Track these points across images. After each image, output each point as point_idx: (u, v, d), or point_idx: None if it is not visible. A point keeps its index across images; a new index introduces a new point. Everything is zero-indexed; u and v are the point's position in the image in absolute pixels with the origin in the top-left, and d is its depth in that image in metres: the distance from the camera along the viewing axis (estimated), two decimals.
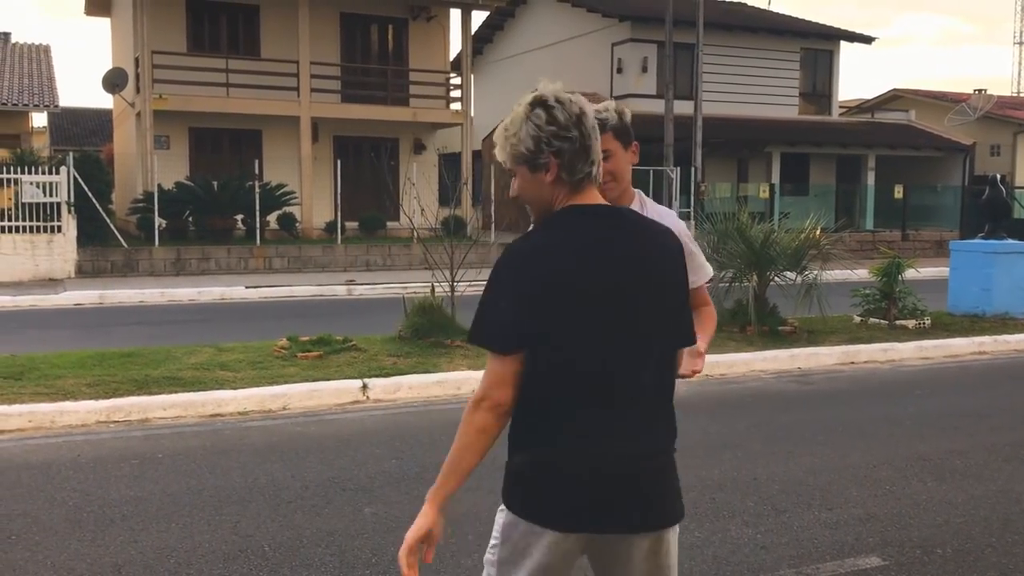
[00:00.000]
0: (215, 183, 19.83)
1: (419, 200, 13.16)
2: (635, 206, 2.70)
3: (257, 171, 19.78)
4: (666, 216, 2.73)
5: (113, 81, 21.86)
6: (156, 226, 18.91)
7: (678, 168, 22.70)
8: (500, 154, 2.14)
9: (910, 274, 11.17)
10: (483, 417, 2.08)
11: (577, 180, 2.07)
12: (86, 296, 14.55)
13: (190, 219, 20.17)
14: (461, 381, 7.74)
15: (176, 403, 6.89)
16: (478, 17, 30.85)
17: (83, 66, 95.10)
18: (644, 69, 26.99)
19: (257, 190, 19.51)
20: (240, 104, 21.53)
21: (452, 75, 25.44)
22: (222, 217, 19.98)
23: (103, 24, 28.62)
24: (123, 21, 24.25)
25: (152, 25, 20.84)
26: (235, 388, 7.24)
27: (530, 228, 2.23)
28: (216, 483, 5.22)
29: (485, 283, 2.08)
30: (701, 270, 2.94)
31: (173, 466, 5.56)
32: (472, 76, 26.02)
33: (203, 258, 18.61)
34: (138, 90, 21.39)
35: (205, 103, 21.32)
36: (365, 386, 7.44)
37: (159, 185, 19.45)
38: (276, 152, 22.60)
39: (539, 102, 2.09)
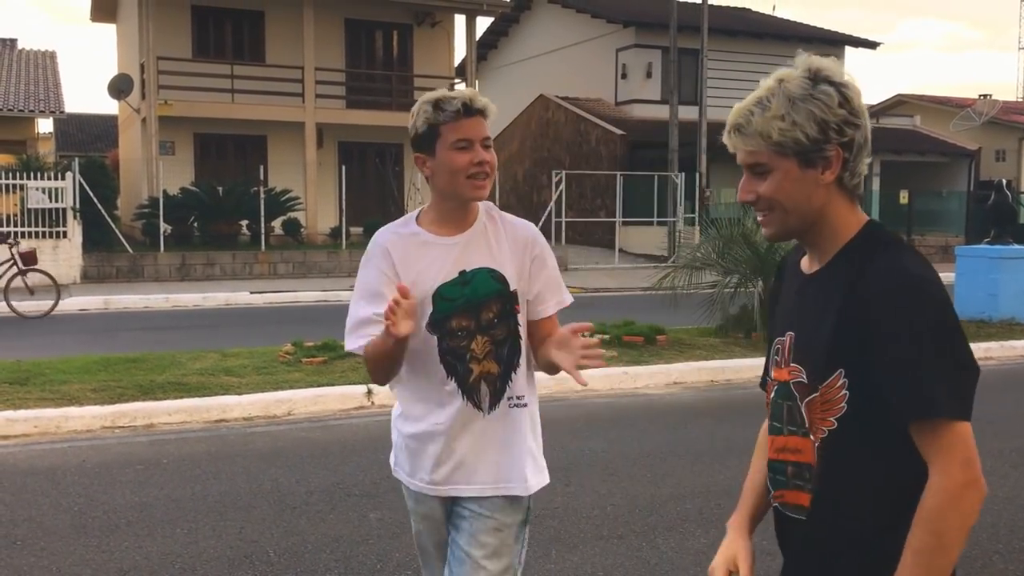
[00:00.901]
0: (220, 189, 19.87)
1: (424, 205, 13.15)
2: (481, 221, 2.31)
3: (262, 177, 19.81)
4: (522, 227, 2.37)
5: (118, 87, 21.93)
6: (161, 232, 18.95)
7: (683, 174, 22.70)
8: (741, 141, 1.65)
9: None
10: (974, 507, 1.51)
11: (855, 184, 1.66)
12: (91, 301, 14.57)
13: (195, 225, 20.21)
14: None
15: (181, 408, 6.90)
16: (483, 23, 30.90)
17: (89, 72, 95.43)
18: (648, 75, 27.01)
19: (262, 196, 19.54)
20: (245, 110, 21.59)
21: (457, 81, 25.48)
22: (227, 223, 20.01)
23: (109, 30, 28.69)
24: (129, 27, 24.32)
25: (157, 31, 20.90)
26: (240, 394, 7.24)
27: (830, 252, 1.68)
28: (221, 488, 5.21)
29: (914, 329, 1.52)
30: (561, 291, 2.45)
31: (178, 471, 5.56)
32: (477, 82, 26.05)
33: (208, 264, 18.64)
34: (143, 96, 21.46)
35: (210, 109, 21.36)
36: (370, 391, 7.44)
37: (164, 191, 19.49)
38: (281, 158, 22.64)
39: (824, 77, 1.62)
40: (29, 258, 13.66)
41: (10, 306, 13.01)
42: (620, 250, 22.93)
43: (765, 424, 1.87)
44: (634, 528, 4.61)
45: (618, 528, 4.61)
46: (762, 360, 7.36)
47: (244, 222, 20.21)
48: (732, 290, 10.27)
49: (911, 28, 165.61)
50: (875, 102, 36.64)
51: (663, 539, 4.46)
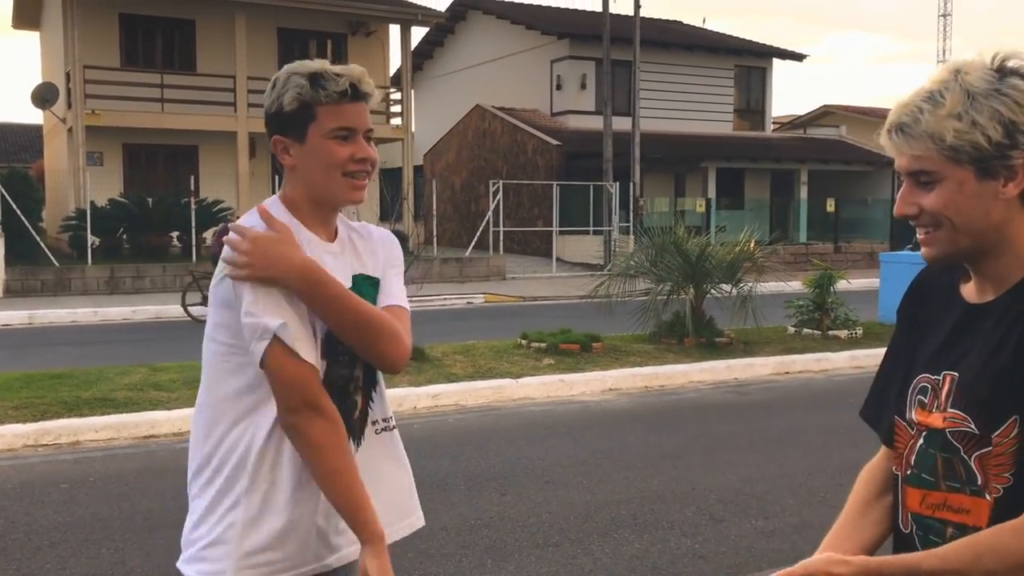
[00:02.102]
0: (150, 200, 19.48)
1: (358, 216, 13.06)
2: (343, 231, 1.93)
3: (193, 187, 19.47)
4: (381, 232, 2.02)
5: (43, 96, 21.36)
6: (88, 244, 18.49)
7: (617, 183, 22.95)
8: (904, 143, 1.38)
9: (842, 285, 11.43)
10: None
11: None
12: (14, 316, 14.13)
13: (124, 236, 19.77)
14: (401, 398, 7.70)
15: (108, 425, 6.73)
16: (417, 33, 30.90)
17: (11, 81, 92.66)
18: (583, 86, 27.27)
19: (193, 207, 19.20)
20: (175, 120, 21.20)
21: (392, 90, 25.40)
22: (157, 234, 19.63)
23: (32, 38, 27.93)
24: (53, 35, 23.71)
25: (83, 39, 20.43)
26: (170, 409, 7.10)
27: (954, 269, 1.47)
28: (149, 506, 5.10)
29: None
30: (401, 299, 1.95)
31: (105, 490, 5.43)
32: (412, 92, 26.01)
33: (137, 276, 18.23)
34: (69, 105, 20.94)
35: (139, 119, 20.94)
36: None
37: (92, 202, 19.02)
38: (213, 168, 22.28)
39: (1013, 68, 1.34)
40: None
41: None
42: (557, 259, 23.07)
43: (873, 462, 1.66)
44: (569, 535, 4.64)
45: (553, 536, 4.63)
46: (695, 365, 7.43)
47: (175, 234, 19.83)
48: (665, 297, 10.41)
49: (839, 41, 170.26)
50: (802, 113, 37.55)
51: (598, 545, 4.50)
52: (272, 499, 1.74)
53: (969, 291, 1.46)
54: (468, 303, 17.10)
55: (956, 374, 1.42)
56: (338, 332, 1.75)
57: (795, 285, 11.97)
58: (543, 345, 9.64)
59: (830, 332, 10.99)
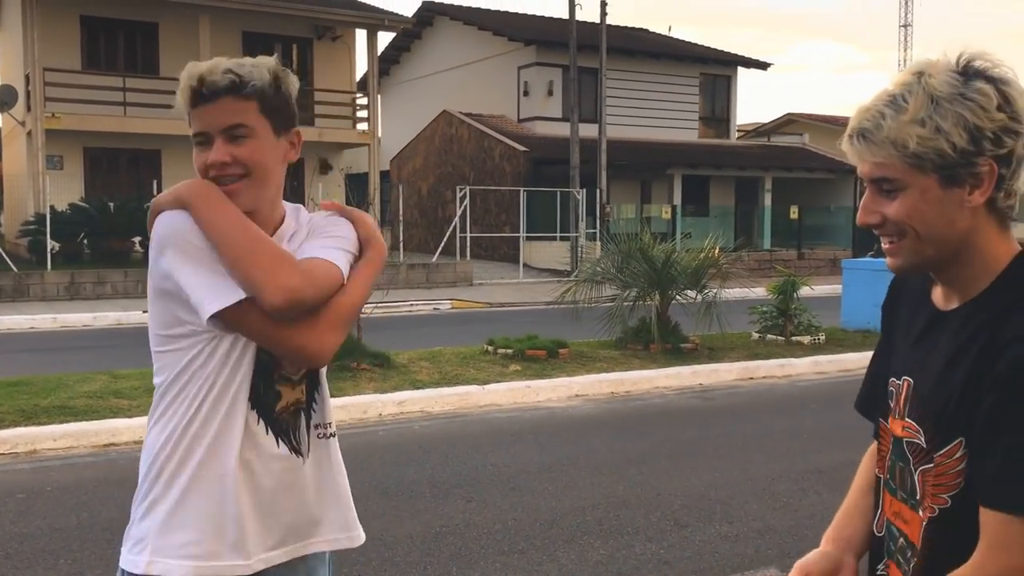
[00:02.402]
0: (111, 204, 19.22)
1: None
2: (290, 225, 1.83)
3: (156, 192, 19.18)
4: (306, 216, 1.89)
5: (1, 99, 21.00)
6: (48, 249, 18.18)
7: (584, 190, 23.02)
8: (866, 149, 1.32)
9: (805, 292, 11.56)
10: None
11: (1009, 206, 1.33)
12: None
13: (85, 242, 19.48)
14: (367, 405, 7.65)
15: (67, 433, 6.62)
16: (384, 38, 30.80)
17: None
18: (550, 92, 27.36)
19: None
20: (138, 123, 20.94)
21: (359, 95, 25.31)
22: (119, 240, 19.36)
23: None
24: (12, 36, 23.34)
25: (44, 41, 20.12)
26: (130, 416, 6.99)
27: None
28: (109, 516, 5.02)
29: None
30: (322, 250, 1.77)
31: (63, 499, 5.33)
32: (379, 97, 25.93)
33: (98, 282, 17.96)
34: (29, 108, 20.61)
35: (101, 122, 20.66)
36: None
37: (51, 207, 18.70)
38: (176, 172, 22.00)
39: (978, 70, 1.27)
40: None
41: None
42: (524, 265, 23.09)
43: (872, 447, 1.59)
44: (535, 542, 4.63)
45: (519, 543, 4.62)
46: (660, 371, 7.45)
47: (137, 239, 19.57)
48: (631, 303, 10.46)
49: (804, 50, 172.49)
50: (766, 121, 37.95)
51: (563, 552, 4.50)
52: (183, 502, 1.71)
53: (937, 295, 1.42)
54: (435, 309, 17.06)
55: (912, 381, 1.40)
56: (222, 260, 1.64)
57: (759, 291, 12.06)
58: (510, 351, 9.63)
59: (793, 338, 11.10)
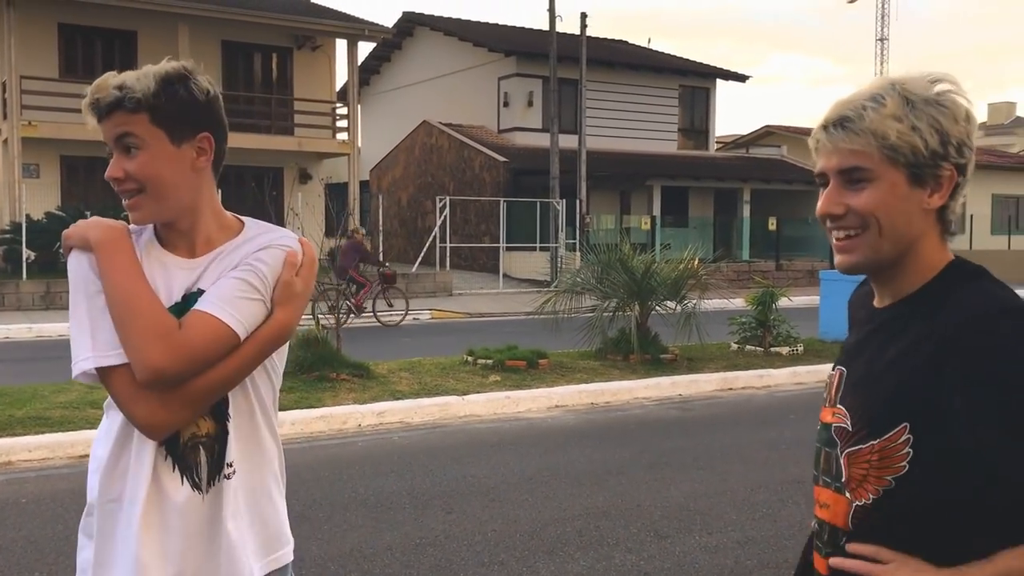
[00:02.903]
0: (88, 213, 19.02)
1: (303, 230, 12.95)
2: (236, 243, 1.72)
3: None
4: (265, 239, 1.74)
5: None
6: (24, 258, 18.00)
7: (564, 200, 23.09)
8: (844, 138, 1.36)
9: (783, 303, 11.63)
10: None
11: (951, 221, 1.40)
12: None
13: (61, 251, 19.27)
14: (346, 416, 7.62)
15: (42, 444, 6.54)
16: (364, 48, 30.83)
17: None
18: (530, 103, 27.45)
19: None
20: None
21: (339, 105, 25.27)
22: None
23: None
24: None
25: (21, 49, 19.96)
26: None
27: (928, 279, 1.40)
28: None
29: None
30: (218, 304, 1.65)
31: (38, 511, 5.27)
32: (359, 106, 25.90)
33: None
34: (5, 116, 20.41)
35: (78, 130, 20.30)
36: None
37: (27, 215, 18.55)
38: None
39: (947, 84, 1.36)
40: None
41: None
42: (504, 275, 23.11)
43: None
44: (514, 553, 4.62)
45: (499, 554, 4.61)
46: (640, 382, 7.50)
47: None
48: (611, 314, 10.49)
49: (780, 63, 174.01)
50: (745, 133, 38.21)
51: (543, 563, 4.49)
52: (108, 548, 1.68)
53: (877, 299, 1.50)
54: (414, 319, 17.02)
55: (844, 370, 1.46)
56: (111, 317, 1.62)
57: (738, 302, 12.13)
58: (489, 362, 9.63)
59: (772, 349, 11.16)
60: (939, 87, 1.35)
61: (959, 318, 1.28)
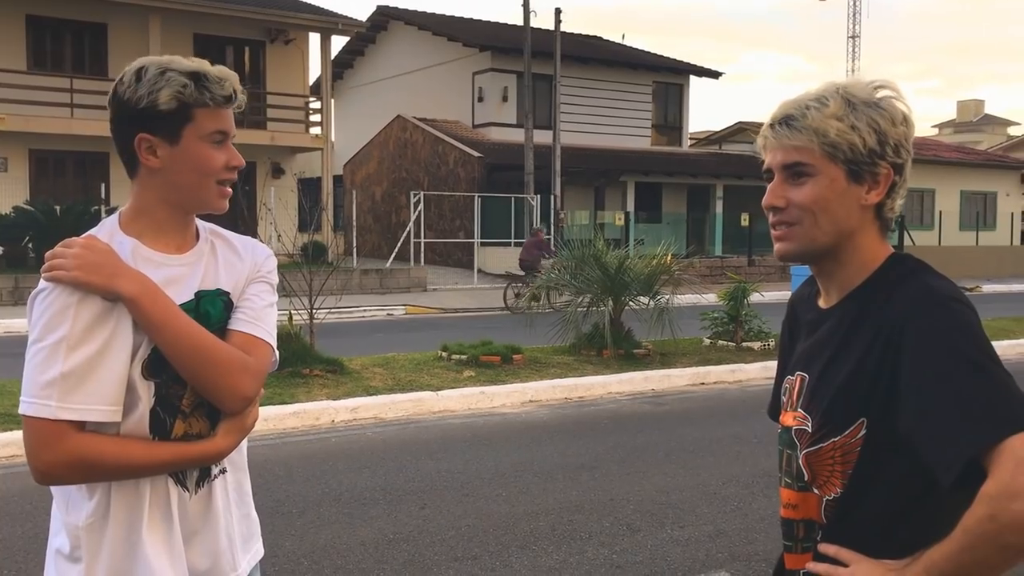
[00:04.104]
0: (58, 208, 18.82)
1: (275, 225, 12.88)
2: (205, 232, 1.81)
3: (104, 195, 18.91)
4: (255, 246, 1.86)
5: None
6: None
7: (538, 196, 23.12)
8: (788, 135, 1.44)
9: (755, 298, 11.72)
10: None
11: (889, 218, 1.49)
12: None
13: (30, 246, 19.05)
14: (320, 412, 7.60)
15: (11, 441, 6.47)
16: (338, 42, 30.64)
17: None
18: (505, 98, 27.44)
19: (103, 215, 18.62)
20: (85, 126, 20.54)
21: (312, 99, 25.13)
22: None
23: None
24: None
25: None
26: None
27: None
28: (25, 532, 4.92)
29: (947, 346, 1.30)
30: (257, 324, 1.75)
31: (6, 510, 5.22)
32: (332, 101, 25.77)
33: None
34: None
35: (47, 124, 20.25)
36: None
37: None
38: (124, 176, 20.87)
39: (888, 89, 1.45)
40: None
41: None
42: (479, 270, 23.11)
43: None
44: (488, 548, 4.64)
45: (472, 549, 4.63)
46: (613, 377, 7.53)
47: None
48: (584, 309, 10.53)
49: (753, 60, 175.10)
50: (718, 129, 38.43)
51: (516, 557, 4.52)
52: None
53: (822, 299, 1.55)
54: (388, 315, 16.99)
55: (806, 375, 1.52)
56: (167, 357, 1.62)
57: (711, 297, 12.21)
58: (464, 357, 9.64)
59: (744, 344, 11.25)
60: (880, 93, 1.44)
61: (902, 313, 1.35)
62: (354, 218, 22.48)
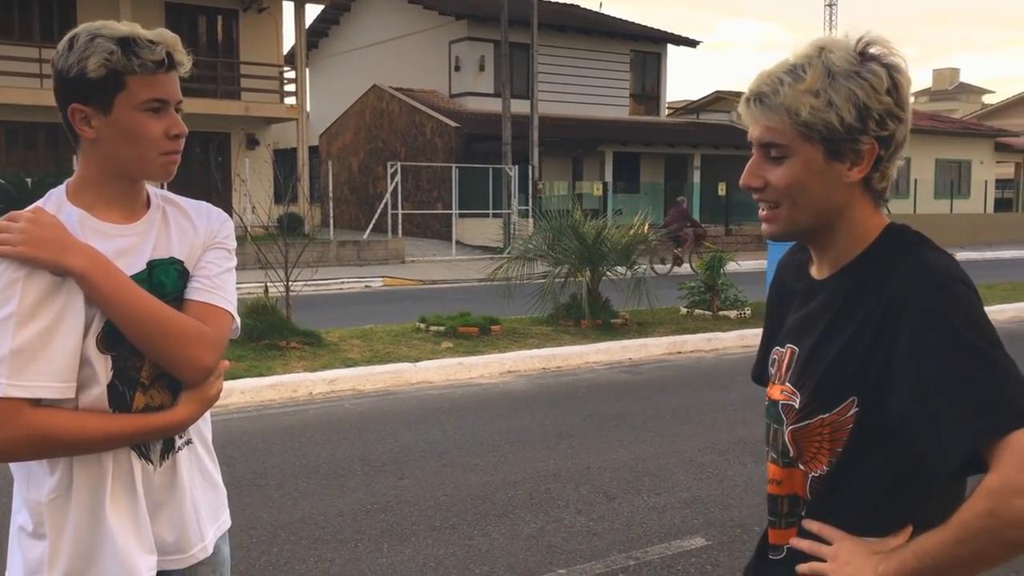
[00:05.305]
0: (29, 180, 18.57)
1: (250, 197, 12.78)
2: (156, 199, 1.76)
3: (75, 167, 18.65)
4: (210, 212, 1.82)
5: None
6: None
7: (516, 166, 23.04)
8: (761, 112, 1.37)
9: (732, 267, 11.79)
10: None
11: (883, 188, 1.41)
12: None
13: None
14: (297, 384, 7.59)
15: None
16: (312, 11, 30.29)
17: None
18: (481, 68, 27.24)
19: None
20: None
21: (286, 69, 24.85)
22: None
23: None
24: None
25: None
26: None
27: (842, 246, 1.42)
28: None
29: (945, 330, 1.25)
30: (214, 292, 1.72)
31: None
32: (307, 70, 25.48)
33: None
34: None
35: (16, 95, 19.91)
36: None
37: None
38: None
39: (874, 55, 1.34)
40: None
41: None
42: (457, 242, 23.05)
43: None
44: (466, 517, 4.67)
45: (450, 518, 4.65)
46: (591, 346, 7.53)
47: None
48: (562, 280, 10.54)
49: (730, 28, 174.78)
50: (696, 98, 38.37)
51: (494, 526, 4.55)
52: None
53: (815, 269, 1.50)
54: (366, 287, 16.94)
55: (796, 348, 1.46)
56: (122, 331, 1.59)
57: (686, 267, 12.27)
58: (442, 329, 9.64)
59: (720, 312, 11.33)
60: (872, 49, 1.34)
61: (900, 292, 1.29)
62: (330, 189, 22.32)
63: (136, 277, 1.63)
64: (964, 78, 73.59)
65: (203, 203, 1.83)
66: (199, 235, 1.74)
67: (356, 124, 29.08)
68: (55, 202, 1.67)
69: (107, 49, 1.57)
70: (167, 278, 1.68)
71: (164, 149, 1.65)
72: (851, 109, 1.31)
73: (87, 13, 21.63)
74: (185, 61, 1.66)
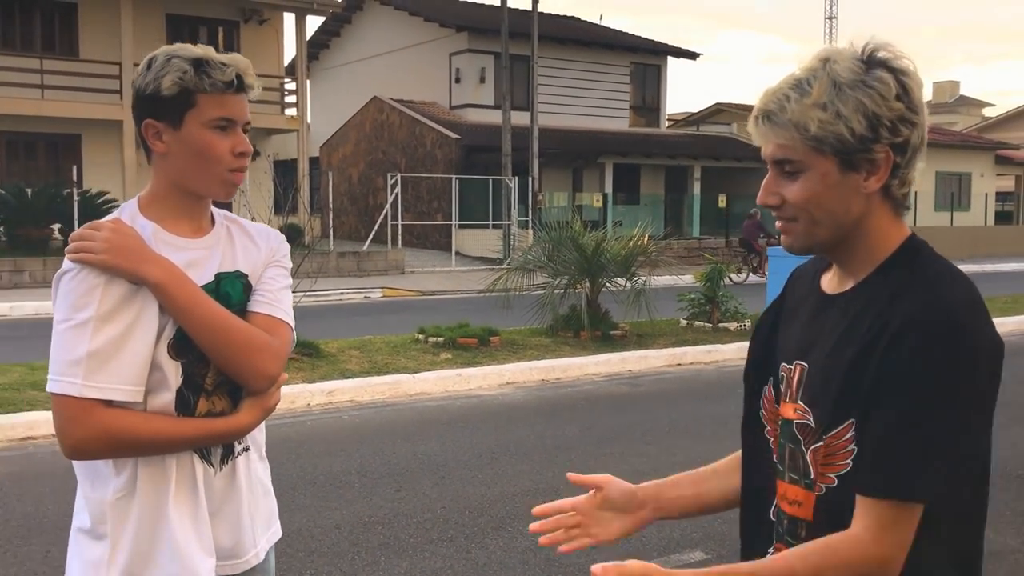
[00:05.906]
0: (29, 191, 18.58)
1: (250, 208, 12.78)
2: (219, 217, 1.84)
3: (76, 178, 18.66)
4: (268, 232, 1.91)
5: None
6: None
7: (516, 178, 23.06)
8: (771, 131, 1.35)
9: (735, 278, 11.77)
10: None
11: (904, 194, 1.37)
12: None
13: (1, 229, 18.81)
14: (295, 395, 7.56)
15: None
16: (313, 22, 30.40)
17: None
18: (482, 79, 27.30)
19: (76, 198, 18.40)
20: (57, 107, 20.27)
21: (287, 80, 24.89)
22: (37, 227, 18.71)
23: None
24: None
25: None
26: (48, 409, 6.76)
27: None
28: (26, 511, 4.88)
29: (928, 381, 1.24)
30: (276, 306, 1.81)
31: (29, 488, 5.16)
32: (308, 82, 25.53)
33: (15, 270, 17.37)
34: None
35: (17, 105, 19.94)
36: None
37: None
38: (97, 158, 21.39)
39: (881, 60, 1.32)
40: None
41: None
42: (456, 253, 23.05)
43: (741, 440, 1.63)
44: (464, 530, 4.64)
45: (448, 531, 4.63)
46: (590, 358, 7.48)
47: (56, 226, 18.95)
48: (562, 291, 10.53)
49: (730, 40, 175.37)
50: (696, 110, 38.45)
51: (492, 539, 4.52)
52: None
53: (827, 281, 1.46)
54: (366, 297, 16.93)
55: (806, 365, 1.42)
56: (193, 339, 1.67)
57: (687, 279, 12.26)
58: (441, 340, 9.62)
59: (720, 324, 11.30)
60: (879, 54, 1.31)
61: (907, 324, 1.26)
62: (330, 200, 22.33)
63: (205, 288, 1.70)
64: (964, 91, 73.76)
65: (262, 224, 1.92)
66: (261, 253, 1.83)
67: (356, 135, 29.12)
68: (129, 214, 1.74)
69: (181, 68, 1.67)
70: (233, 290, 1.76)
71: (230, 166, 1.72)
72: (860, 119, 1.29)
73: (89, 25, 21.71)
74: (255, 84, 1.75)
